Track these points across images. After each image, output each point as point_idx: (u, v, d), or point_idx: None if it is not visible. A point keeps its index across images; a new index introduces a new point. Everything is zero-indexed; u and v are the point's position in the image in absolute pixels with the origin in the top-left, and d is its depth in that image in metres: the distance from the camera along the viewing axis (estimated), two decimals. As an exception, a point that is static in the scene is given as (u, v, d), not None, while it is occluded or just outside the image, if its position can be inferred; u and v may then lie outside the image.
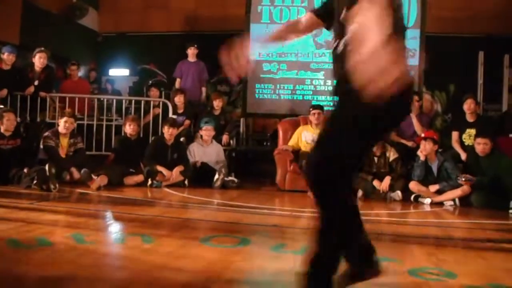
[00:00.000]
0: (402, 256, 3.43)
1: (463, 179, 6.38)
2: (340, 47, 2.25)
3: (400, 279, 2.91)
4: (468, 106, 7.57)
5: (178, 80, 9.46)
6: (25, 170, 6.47)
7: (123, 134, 7.81)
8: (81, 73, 11.24)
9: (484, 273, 3.09)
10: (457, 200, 6.43)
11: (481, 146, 6.53)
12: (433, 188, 6.58)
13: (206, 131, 7.80)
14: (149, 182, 7.07)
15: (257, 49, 2.81)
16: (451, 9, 10.56)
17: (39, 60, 8.05)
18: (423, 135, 6.88)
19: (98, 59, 12.32)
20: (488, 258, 3.52)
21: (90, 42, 12.33)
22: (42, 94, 8.21)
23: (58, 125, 7.24)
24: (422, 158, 6.72)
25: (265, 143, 10.32)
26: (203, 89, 9.51)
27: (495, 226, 5.11)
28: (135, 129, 7.56)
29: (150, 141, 7.84)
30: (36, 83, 8.10)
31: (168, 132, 7.39)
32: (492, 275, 3.06)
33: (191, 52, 9.39)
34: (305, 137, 7.64)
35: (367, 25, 1.89)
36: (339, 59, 2.26)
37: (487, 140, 6.52)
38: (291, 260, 3.29)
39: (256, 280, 2.79)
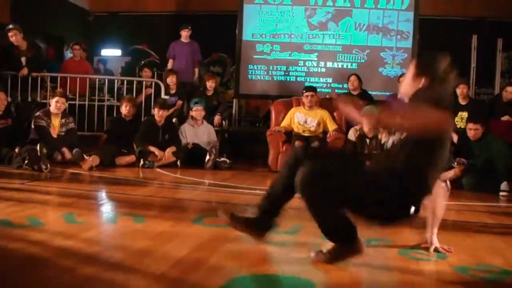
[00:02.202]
0: (393, 237, 3.45)
1: (456, 162, 6.41)
2: None
3: (391, 259, 2.93)
4: (460, 91, 7.61)
5: (170, 61, 9.40)
6: (16, 150, 6.44)
7: (115, 114, 7.77)
8: (70, 53, 11.18)
9: (473, 254, 3.12)
10: (448, 182, 6.44)
11: (472, 131, 6.54)
12: (424, 170, 6.58)
13: (197, 111, 7.77)
14: (141, 162, 7.05)
15: None
16: (445, -9, 10.54)
17: (12, 39, 7.93)
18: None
19: (90, 39, 12.21)
20: (477, 240, 3.55)
21: (81, 22, 12.22)
22: (34, 74, 8.15)
23: (49, 105, 7.19)
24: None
25: (257, 124, 10.32)
26: (196, 70, 9.46)
27: (485, 208, 5.14)
28: (130, 111, 7.50)
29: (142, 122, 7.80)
30: (23, 60, 8.01)
31: (159, 114, 7.35)
32: (481, 256, 3.09)
33: (185, 34, 9.30)
34: (298, 118, 7.64)
35: None
36: None
37: (478, 125, 6.52)
38: (282, 240, 3.31)
39: (247, 260, 2.79)
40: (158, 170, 6.89)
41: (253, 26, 9.19)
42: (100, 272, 2.45)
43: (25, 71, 7.98)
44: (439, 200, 3.22)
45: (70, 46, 9.86)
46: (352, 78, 8.34)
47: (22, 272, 2.38)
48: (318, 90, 8.01)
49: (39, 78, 8.30)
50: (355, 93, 8.29)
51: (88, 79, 8.96)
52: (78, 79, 8.72)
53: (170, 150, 7.19)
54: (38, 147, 6.18)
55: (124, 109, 7.46)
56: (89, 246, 2.94)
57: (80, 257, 2.69)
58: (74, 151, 6.67)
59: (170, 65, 9.36)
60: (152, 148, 7.14)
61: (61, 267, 2.48)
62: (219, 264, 2.68)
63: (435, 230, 3.17)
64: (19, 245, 2.83)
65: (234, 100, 9.91)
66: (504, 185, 6.02)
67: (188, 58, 9.31)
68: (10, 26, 7.97)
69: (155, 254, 2.80)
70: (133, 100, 7.72)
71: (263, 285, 2.46)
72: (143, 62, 11.61)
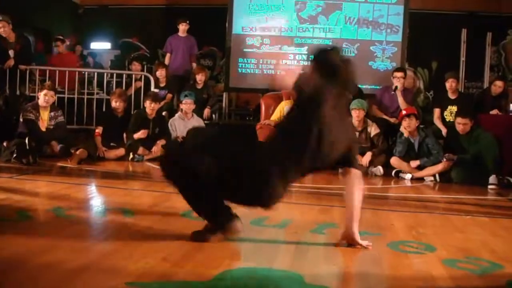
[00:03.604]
0: (383, 230, 3.47)
1: (445, 158, 6.43)
2: None
3: (381, 252, 2.94)
4: (449, 85, 7.65)
5: (168, 55, 9.35)
6: (5, 144, 6.39)
7: (105, 107, 7.71)
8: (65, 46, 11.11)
9: (462, 246, 3.14)
10: (437, 175, 6.48)
11: (461, 126, 6.55)
12: (414, 163, 6.62)
13: (186, 104, 7.74)
14: (131, 156, 7.03)
15: None
16: (435, -15, 10.57)
17: (0, 30, 7.86)
18: (404, 112, 6.87)
19: (80, 32, 12.13)
20: (466, 232, 3.57)
21: (71, 15, 12.13)
22: (22, 67, 8.10)
23: (38, 98, 7.14)
24: (406, 134, 6.73)
25: (247, 118, 10.31)
26: (193, 64, 9.41)
27: (474, 201, 5.17)
28: (121, 106, 7.42)
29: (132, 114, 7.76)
30: (11, 53, 7.94)
31: (150, 107, 7.31)
32: (470, 248, 3.11)
33: (183, 28, 9.24)
34: (288, 112, 7.63)
35: None
36: None
37: (467, 119, 6.54)
38: (272, 234, 3.32)
39: (236, 254, 2.80)
40: (148, 163, 6.87)
41: (243, 19, 9.18)
42: (89, 265, 2.44)
43: (11, 62, 7.92)
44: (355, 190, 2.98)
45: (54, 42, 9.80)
46: (342, 71, 8.33)
47: (10, 267, 2.37)
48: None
49: (27, 71, 8.25)
50: (345, 86, 8.30)
51: (77, 73, 8.92)
52: (66, 72, 8.67)
53: (159, 143, 7.17)
54: (26, 141, 6.15)
55: (114, 104, 7.40)
56: (79, 240, 2.93)
57: (68, 249, 2.68)
58: (59, 147, 6.66)
59: (167, 59, 9.33)
60: (138, 134, 7.10)
61: (50, 260, 2.47)
62: (209, 257, 2.68)
63: (356, 224, 2.98)
64: (7, 239, 2.82)
65: (224, 94, 9.90)
66: (492, 179, 6.06)
67: (185, 52, 9.27)
68: (0, 17, 7.90)
69: (145, 247, 2.80)
70: (123, 94, 7.60)
71: (252, 278, 2.46)
72: (132, 56, 11.56)
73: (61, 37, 9.72)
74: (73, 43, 11.58)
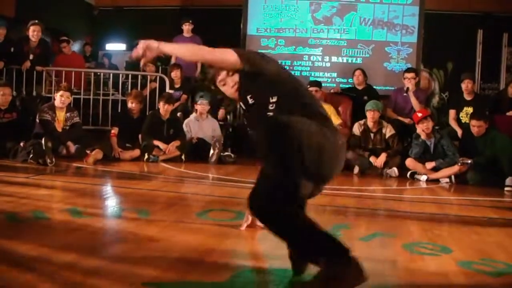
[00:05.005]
0: (398, 231, 3.45)
1: (460, 163, 6.38)
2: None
3: (396, 254, 2.93)
4: (465, 86, 7.58)
5: (174, 55, 9.37)
6: (21, 144, 6.45)
7: (120, 108, 7.74)
8: (76, 47, 11.18)
9: (478, 248, 3.12)
10: (453, 177, 6.45)
11: (476, 128, 6.51)
12: (429, 165, 6.59)
13: (201, 105, 7.77)
14: (146, 156, 7.06)
15: None
16: (450, -14, 10.51)
17: (33, 34, 7.97)
18: (420, 114, 6.80)
19: (95, 33, 12.21)
20: (482, 234, 3.55)
21: (86, 16, 12.23)
22: (38, 68, 8.17)
23: (54, 99, 7.19)
24: (423, 137, 6.69)
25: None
26: (199, 64, 9.42)
27: (490, 203, 5.13)
28: (137, 107, 7.47)
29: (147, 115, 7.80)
30: (31, 57, 8.04)
31: (164, 108, 7.34)
32: (486, 250, 3.09)
33: (186, 28, 9.28)
34: (302, 113, 7.61)
35: None
36: None
37: (481, 122, 6.50)
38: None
39: (252, 254, 2.80)
40: (163, 164, 6.90)
41: (258, 20, 9.20)
42: (106, 265, 2.45)
43: (28, 64, 8.01)
44: None
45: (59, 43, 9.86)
46: (357, 72, 8.33)
47: (25, 266, 2.39)
48: (322, 84, 8.00)
49: (44, 73, 8.32)
50: (360, 87, 8.28)
51: (83, 73, 8.98)
52: (73, 73, 8.75)
53: (174, 143, 7.20)
54: (43, 141, 6.19)
55: (130, 105, 7.44)
56: (95, 240, 2.95)
57: (85, 249, 2.69)
58: (75, 147, 6.71)
59: (173, 59, 9.36)
60: (156, 142, 7.15)
61: (66, 260, 2.49)
62: (224, 257, 2.68)
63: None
64: (23, 239, 2.84)
65: (239, 94, 9.89)
66: (509, 180, 6.02)
67: None
68: (36, 21, 8.01)
69: (159, 247, 2.81)
70: (139, 96, 7.63)
71: (266, 279, 2.46)
72: (146, 57, 11.57)
73: (66, 38, 9.76)
74: (87, 43, 11.69)
